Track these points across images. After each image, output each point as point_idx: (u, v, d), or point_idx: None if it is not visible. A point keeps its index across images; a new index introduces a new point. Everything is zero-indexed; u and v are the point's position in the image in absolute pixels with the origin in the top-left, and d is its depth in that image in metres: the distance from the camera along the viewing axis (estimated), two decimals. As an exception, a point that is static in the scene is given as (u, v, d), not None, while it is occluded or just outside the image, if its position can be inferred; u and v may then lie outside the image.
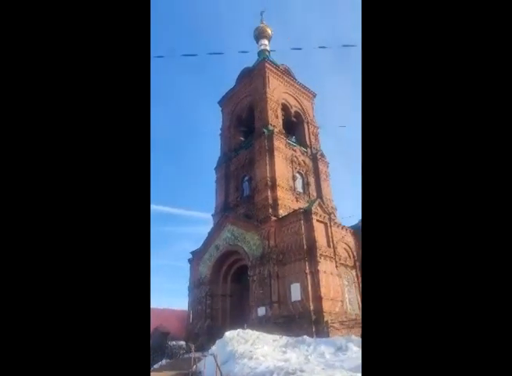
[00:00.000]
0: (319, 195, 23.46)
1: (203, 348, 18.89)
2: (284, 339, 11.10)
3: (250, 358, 8.66)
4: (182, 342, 23.82)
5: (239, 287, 21.76)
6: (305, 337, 11.02)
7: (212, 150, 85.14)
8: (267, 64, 26.94)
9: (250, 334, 11.66)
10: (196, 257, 23.51)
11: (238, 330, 12.03)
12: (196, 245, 24.33)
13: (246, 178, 24.28)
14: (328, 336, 14.95)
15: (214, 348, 11.37)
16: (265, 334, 11.63)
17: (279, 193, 21.21)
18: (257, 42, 33.70)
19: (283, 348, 10.28)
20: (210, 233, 23.36)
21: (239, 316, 20.67)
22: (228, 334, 11.62)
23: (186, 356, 20.85)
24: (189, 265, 24.69)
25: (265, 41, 33.10)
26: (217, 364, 7.47)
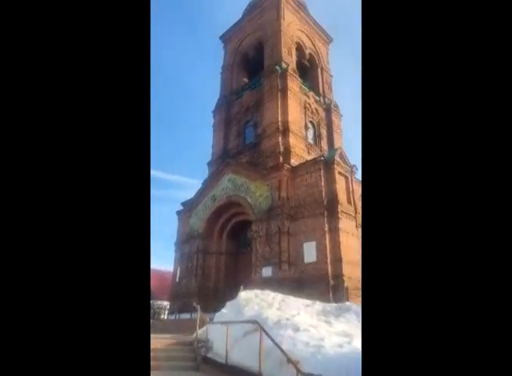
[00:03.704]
0: (331, 149, 20.58)
1: (193, 309, 16.43)
2: (319, 305, 8.48)
3: (296, 329, 5.95)
4: (164, 302, 21.39)
5: (236, 245, 19.12)
6: (348, 303, 8.45)
7: (197, 109, 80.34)
8: (283, -7, 22.98)
9: (272, 296, 8.98)
10: (187, 208, 20.49)
11: (255, 290, 9.33)
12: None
13: (251, 122, 20.95)
14: (347, 304, 12.62)
15: (224, 311, 8.65)
16: (290, 297, 8.97)
17: (292, 139, 18.16)
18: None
19: (323, 317, 7.65)
20: (205, 182, 20.29)
21: (234, 277, 18.15)
22: (243, 294, 8.89)
23: (171, 317, 18.56)
24: (176, 222, 21.71)
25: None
26: (272, 340, 4.66)
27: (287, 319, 6.71)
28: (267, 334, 4.84)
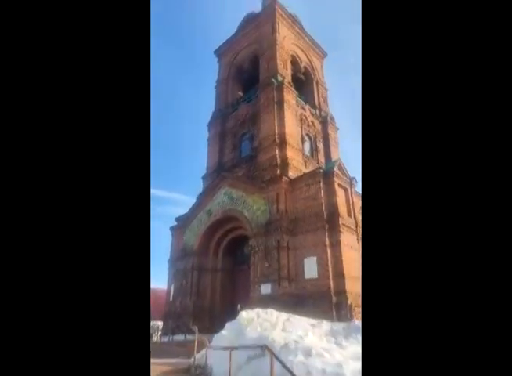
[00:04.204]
0: (328, 162, 20.23)
1: (187, 330, 15.55)
2: (326, 324, 7.86)
3: (308, 354, 5.33)
4: (157, 322, 20.37)
5: (232, 261, 18.42)
6: (357, 322, 7.85)
7: (193, 127, 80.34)
8: (277, 7, 23.09)
9: (275, 315, 8.34)
10: (181, 224, 19.82)
11: (256, 309, 8.68)
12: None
13: (247, 135, 20.61)
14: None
15: (224, 333, 7.98)
16: (295, 317, 8.34)
17: (289, 152, 17.78)
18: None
19: (332, 338, 7.04)
20: (200, 197, 19.70)
21: (231, 295, 17.40)
22: (244, 314, 8.23)
23: (164, 338, 17.57)
24: (169, 238, 20.96)
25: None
26: (287, 368, 4.05)
27: (295, 341, 6.10)
28: (279, 361, 4.23)
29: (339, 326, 7.86)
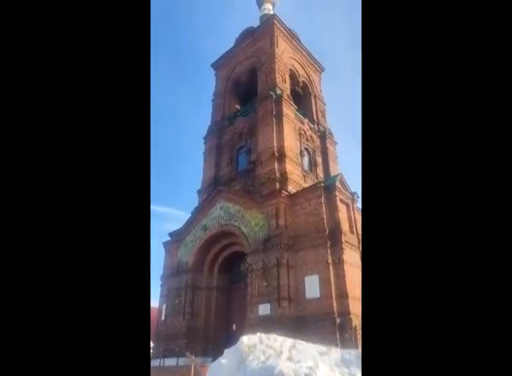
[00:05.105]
0: (327, 177, 19.74)
1: (180, 353, 14.60)
2: (336, 352, 7.13)
3: (324, 391, 4.62)
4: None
5: (228, 279, 17.60)
6: (371, 350, 7.14)
7: (190, 140, 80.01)
8: (276, 21, 23.01)
9: (279, 341, 7.57)
10: (175, 239, 18.99)
11: (259, 334, 7.90)
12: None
13: (244, 149, 20.09)
14: (356, 347, 11.23)
15: (223, 362, 7.18)
16: (302, 343, 7.59)
17: (288, 166, 17.25)
18: (260, 7, 29.85)
19: (346, 369, 6.31)
20: (195, 212, 18.98)
21: (227, 315, 16.53)
22: (246, 339, 7.45)
23: (155, 361, 16.50)
24: (162, 254, 20.07)
25: (269, 6, 29.21)
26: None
27: (306, 374, 5.38)
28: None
29: (350, 354, 7.13)
